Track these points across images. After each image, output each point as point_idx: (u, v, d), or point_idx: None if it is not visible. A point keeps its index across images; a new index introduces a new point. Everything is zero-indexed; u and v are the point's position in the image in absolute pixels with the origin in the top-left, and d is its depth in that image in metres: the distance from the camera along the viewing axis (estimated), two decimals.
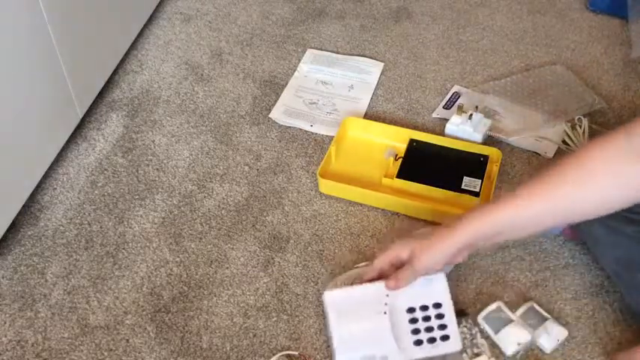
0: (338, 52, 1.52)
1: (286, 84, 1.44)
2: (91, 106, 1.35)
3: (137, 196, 1.22)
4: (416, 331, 0.96)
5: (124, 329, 1.03)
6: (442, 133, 1.30)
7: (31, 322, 1.05)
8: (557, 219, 0.91)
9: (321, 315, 1.03)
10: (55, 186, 1.24)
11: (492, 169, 1.22)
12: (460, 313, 1.01)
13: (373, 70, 1.47)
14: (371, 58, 1.50)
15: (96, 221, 1.18)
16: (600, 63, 1.47)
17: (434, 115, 1.36)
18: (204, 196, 1.22)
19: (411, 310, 0.96)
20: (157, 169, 1.27)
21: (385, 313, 0.95)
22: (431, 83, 1.43)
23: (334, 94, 1.42)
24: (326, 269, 1.10)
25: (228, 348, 1.01)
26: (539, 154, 1.27)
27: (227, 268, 1.11)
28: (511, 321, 0.99)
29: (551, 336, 0.99)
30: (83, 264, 1.12)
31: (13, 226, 1.16)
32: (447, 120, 1.30)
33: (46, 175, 1.24)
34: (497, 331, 0.99)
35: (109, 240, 1.16)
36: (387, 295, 0.96)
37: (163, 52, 1.52)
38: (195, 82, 1.45)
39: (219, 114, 1.38)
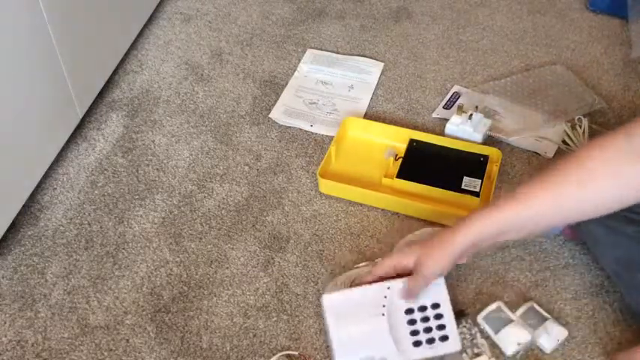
0: (338, 52, 1.52)
1: (286, 84, 1.44)
2: (91, 106, 1.35)
3: (137, 196, 1.22)
4: (415, 332, 0.95)
5: (124, 329, 1.04)
6: (442, 133, 1.30)
7: (31, 322, 1.05)
8: (559, 219, 0.91)
9: (321, 315, 1.03)
10: (55, 186, 1.24)
11: (492, 169, 1.22)
12: (460, 314, 1.01)
13: (373, 70, 1.47)
14: (371, 58, 1.50)
15: (96, 221, 1.18)
16: (600, 63, 1.47)
17: (434, 115, 1.36)
18: (204, 196, 1.22)
19: (409, 311, 0.96)
20: (157, 169, 1.27)
21: (383, 314, 0.95)
22: (431, 83, 1.43)
23: (334, 94, 1.42)
24: (326, 269, 1.10)
25: (228, 348, 1.01)
26: (539, 154, 1.27)
27: (227, 268, 1.11)
28: (511, 321, 0.99)
29: (551, 336, 0.99)
30: (83, 264, 1.12)
31: (13, 226, 1.16)
32: (447, 120, 1.30)
33: (46, 175, 1.24)
34: (497, 331, 0.99)
35: (109, 240, 1.16)
36: (385, 297, 0.96)
37: (163, 52, 1.52)
38: (195, 82, 1.45)
39: (219, 114, 1.38)
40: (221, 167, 1.27)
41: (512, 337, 0.97)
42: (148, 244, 1.15)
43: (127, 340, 1.02)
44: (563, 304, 1.04)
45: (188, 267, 1.11)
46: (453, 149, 1.25)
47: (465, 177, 1.20)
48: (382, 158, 1.27)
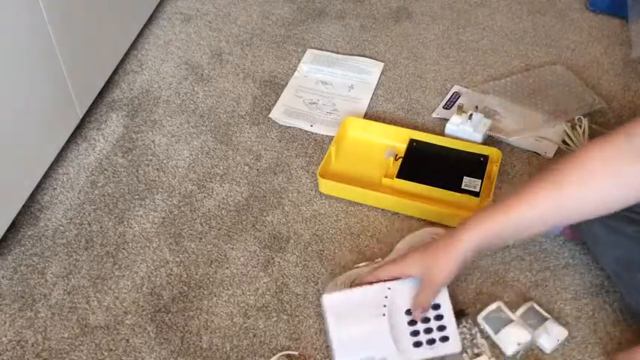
0: (338, 52, 1.52)
1: (286, 84, 1.44)
2: (91, 106, 1.35)
3: (137, 196, 1.22)
4: (415, 333, 0.95)
5: (124, 329, 1.03)
6: (442, 133, 1.30)
7: (31, 322, 1.05)
8: (559, 219, 0.91)
9: (321, 315, 1.03)
10: (55, 186, 1.24)
11: (492, 169, 1.22)
12: (460, 314, 1.01)
13: (373, 70, 1.47)
14: (371, 58, 1.50)
15: (96, 221, 1.18)
16: (600, 63, 1.47)
17: (434, 115, 1.36)
18: (204, 196, 1.22)
19: (410, 311, 0.96)
20: (157, 169, 1.27)
21: (384, 315, 0.95)
22: (431, 83, 1.43)
23: (334, 94, 1.42)
24: (326, 269, 1.10)
25: (228, 348, 1.01)
26: (539, 154, 1.27)
27: (227, 268, 1.11)
28: (511, 321, 0.99)
29: (551, 336, 0.99)
30: (83, 264, 1.12)
31: (13, 226, 1.16)
32: (447, 120, 1.30)
33: (46, 175, 1.24)
34: (497, 331, 0.99)
35: (109, 240, 1.16)
36: (386, 297, 0.96)
37: (163, 52, 1.52)
38: (195, 82, 1.45)
39: (219, 114, 1.38)
40: (221, 167, 1.27)
41: (512, 337, 0.97)
42: (148, 244, 1.15)
43: (127, 340, 1.02)
44: (563, 304, 1.04)
45: (188, 267, 1.11)
46: (453, 149, 1.25)
47: (465, 177, 1.20)
48: (382, 158, 1.27)
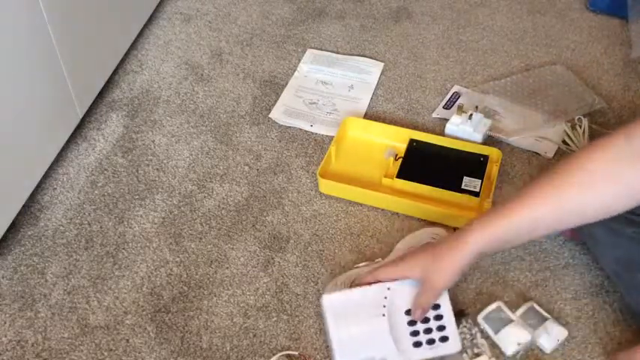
0: (338, 52, 1.52)
1: (286, 84, 1.44)
2: (91, 106, 1.35)
3: (137, 196, 1.22)
4: (415, 333, 0.95)
5: (124, 329, 1.03)
6: (442, 133, 1.30)
7: (31, 322, 1.05)
8: (560, 222, 0.90)
9: (321, 315, 1.03)
10: (55, 186, 1.24)
11: (492, 169, 1.22)
12: (460, 314, 1.01)
13: (373, 70, 1.47)
14: (371, 58, 1.50)
15: (96, 221, 1.18)
16: (600, 63, 1.47)
17: (434, 115, 1.36)
18: (204, 196, 1.22)
19: (409, 312, 0.96)
20: (157, 169, 1.27)
21: (384, 315, 0.95)
22: (431, 83, 1.43)
23: (334, 94, 1.42)
24: (326, 269, 1.10)
25: (228, 348, 1.01)
26: (539, 154, 1.27)
27: (227, 268, 1.11)
28: (511, 321, 0.99)
29: (551, 336, 0.99)
30: (83, 264, 1.12)
31: (13, 226, 1.16)
32: (447, 120, 1.30)
33: (46, 175, 1.24)
34: (497, 331, 0.99)
35: (109, 240, 1.16)
36: (386, 298, 0.96)
37: (163, 52, 1.52)
38: (195, 82, 1.45)
39: (219, 114, 1.38)
40: (221, 167, 1.27)
41: (512, 337, 0.97)
42: (148, 244, 1.15)
43: (127, 340, 1.02)
44: (563, 304, 1.04)
45: (188, 267, 1.11)
46: (453, 149, 1.25)
47: (465, 177, 1.20)
48: (382, 158, 1.27)
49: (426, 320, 0.96)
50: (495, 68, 1.46)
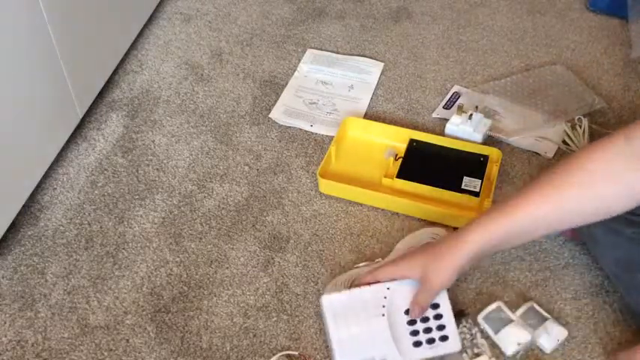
0: (338, 52, 1.52)
1: (286, 84, 1.44)
2: (91, 106, 1.35)
3: (137, 196, 1.22)
4: (415, 333, 0.95)
5: (124, 329, 1.03)
6: (442, 133, 1.30)
7: (31, 322, 1.05)
8: (561, 222, 0.90)
9: (321, 315, 1.03)
10: (55, 186, 1.24)
11: (492, 169, 1.22)
12: (460, 314, 1.01)
13: (373, 70, 1.47)
14: (371, 58, 1.50)
15: (96, 221, 1.18)
16: (600, 63, 1.47)
17: (434, 115, 1.36)
18: (204, 196, 1.22)
19: (409, 311, 0.96)
20: (157, 169, 1.27)
21: (384, 315, 0.95)
22: (431, 83, 1.43)
23: (334, 94, 1.42)
24: (326, 269, 1.10)
25: (228, 348, 1.01)
26: (539, 154, 1.27)
27: (227, 268, 1.11)
28: (511, 321, 0.99)
29: (551, 336, 0.99)
30: (83, 264, 1.12)
31: (13, 226, 1.16)
32: (447, 120, 1.30)
33: (46, 175, 1.24)
34: (497, 331, 0.99)
35: (109, 240, 1.16)
36: (385, 298, 0.96)
37: (163, 52, 1.52)
38: (195, 82, 1.45)
39: (219, 114, 1.38)
40: (221, 167, 1.27)
41: (512, 337, 0.97)
42: (148, 244, 1.15)
43: (127, 340, 1.02)
44: (563, 304, 1.04)
45: (188, 267, 1.11)
46: (453, 149, 1.25)
47: (465, 177, 1.20)
48: (382, 158, 1.27)
49: (425, 320, 0.96)
50: (495, 68, 1.46)
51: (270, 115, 1.37)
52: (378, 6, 1.64)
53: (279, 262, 1.12)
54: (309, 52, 1.51)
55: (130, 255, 1.13)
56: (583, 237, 1.08)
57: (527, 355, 0.99)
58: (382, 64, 1.48)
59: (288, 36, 1.56)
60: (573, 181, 0.85)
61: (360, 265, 1.09)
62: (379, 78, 1.45)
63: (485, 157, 1.23)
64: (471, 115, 1.27)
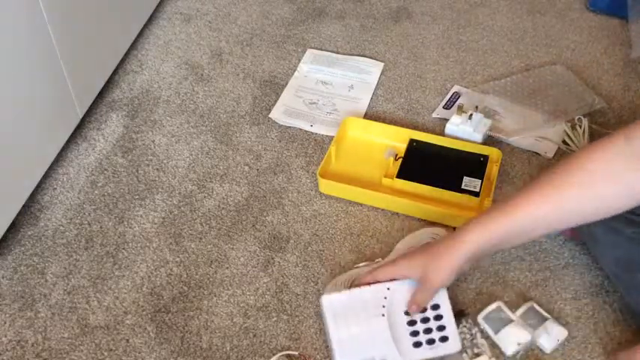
0: (338, 52, 1.52)
1: (286, 84, 1.44)
2: (91, 106, 1.35)
3: (137, 196, 1.22)
4: (415, 333, 0.95)
5: (124, 329, 1.04)
6: (442, 133, 1.30)
7: (31, 322, 1.05)
8: (561, 222, 0.90)
9: (321, 315, 1.03)
10: (55, 186, 1.24)
11: (492, 169, 1.22)
12: (460, 314, 1.01)
13: (373, 70, 1.47)
14: (371, 58, 1.50)
15: (96, 221, 1.18)
16: (600, 63, 1.47)
17: (434, 115, 1.36)
18: (204, 196, 1.22)
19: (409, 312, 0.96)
20: (157, 169, 1.27)
21: (383, 315, 0.95)
22: (431, 83, 1.43)
23: (334, 94, 1.42)
24: (326, 269, 1.10)
25: (228, 348, 1.01)
26: (539, 154, 1.27)
27: (227, 268, 1.11)
28: (511, 321, 0.99)
29: (551, 336, 0.99)
30: (83, 264, 1.12)
31: (13, 226, 1.16)
32: (447, 120, 1.30)
33: (46, 175, 1.24)
34: (497, 331, 0.99)
35: (109, 240, 1.16)
36: (385, 298, 0.96)
37: (163, 52, 1.52)
38: (195, 82, 1.45)
39: (219, 114, 1.38)
40: (221, 167, 1.27)
41: (512, 337, 0.97)
42: (148, 244, 1.15)
43: (127, 340, 1.02)
44: (563, 304, 1.04)
45: (188, 267, 1.11)
46: (453, 149, 1.25)
47: (465, 177, 1.20)
48: (382, 158, 1.27)
49: (425, 320, 0.96)
50: (495, 68, 1.46)
51: (270, 115, 1.37)
52: (378, 6, 1.64)
53: (279, 262, 1.12)
54: (309, 52, 1.51)
55: (130, 255, 1.13)
56: (583, 236, 1.08)
57: (527, 355, 0.99)
58: (382, 64, 1.48)
59: (288, 36, 1.56)
60: (573, 181, 0.85)
61: (360, 265, 1.09)
62: (379, 78, 1.45)
63: (485, 157, 1.23)
64: (471, 115, 1.27)
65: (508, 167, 1.25)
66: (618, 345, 1.00)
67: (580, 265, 1.10)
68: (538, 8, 1.62)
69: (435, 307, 0.97)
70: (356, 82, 1.44)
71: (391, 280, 0.97)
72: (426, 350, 0.95)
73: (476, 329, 1.00)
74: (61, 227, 1.18)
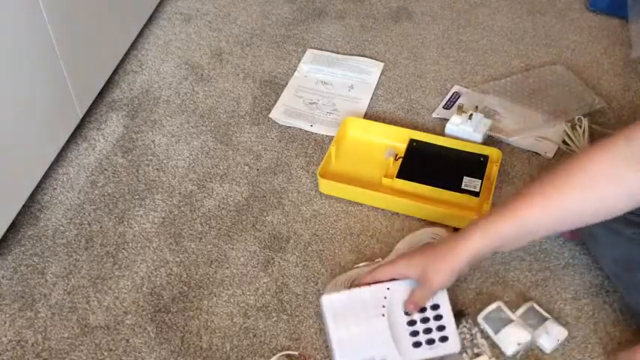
0: (338, 52, 1.52)
1: (286, 84, 1.44)
2: (91, 106, 1.35)
3: (137, 196, 1.22)
4: (414, 333, 0.95)
5: (124, 329, 1.04)
6: (442, 133, 1.30)
7: (31, 322, 1.05)
8: (562, 224, 0.90)
9: (321, 315, 1.03)
10: (55, 186, 1.24)
11: (492, 169, 1.22)
12: (460, 314, 1.01)
13: (373, 70, 1.47)
14: (371, 58, 1.50)
15: (96, 221, 1.18)
16: (600, 63, 1.47)
17: (434, 115, 1.36)
18: (204, 196, 1.22)
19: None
20: (157, 169, 1.27)
21: (383, 315, 0.95)
22: (431, 83, 1.43)
23: (334, 94, 1.42)
24: (326, 269, 1.10)
25: (228, 348, 1.01)
26: (539, 154, 1.27)
27: (227, 268, 1.11)
28: (511, 321, 0.99)
29: (551, 336, 0.99)
30: (83, 264, 1.12)
31: (13, 226, 1.16)
32: (447, 120, 1.30)
33: (46, 175, 1.24)
34: (497, 331, 0.99)
35: (109, 240, 1.16)
36: (385, 298, 0.96)
37: (163, 52, 1.52)
38: (195, 82, 1.45)
39: (219, 114, 1.38)
40: (221, 167, 1.27)
41: (512, 337, 0.97)
42: (148, 244, 1.15)
43: (127, 340, 1.02)
44: (563, 304, 1.04)
45: (188, 267, 1.12)
46: (453, 149, 1.25)
47: (465, 177, 1.20)
48: (382, 158, 1.27)
49: (425, 320, 0.96)
50: (495, 68, 1.46)
51: (270, 115, 1.37)
52: (378, 6, 1.64)
53: (279, 262, 1.12)
54: (309, 52, 1.51)
55: (130, 255, 1.13)
56: (583, 236, 1.08)
57: (527, 355, 0.99)
58: (382, 64, 1.48)
59: (288, 36, 1.56)
60: (574, 183, 0.85)
61: (360, 265, 1.09)
62: (379, 78, 1.45)
63: (485, 157, 1.23)
64: (471, 115, 1.27)
65: (508, 167, 1.25)
66: (618, 345, 1.00)
67: (580, 265, 1.10)
68: (538, 8, 1.62)
69: (435, 307, 0.97)
70: (356, 82, 1.44)
71: (391, 280, 0.97)
72: (425, 350, 0.95)
73: (476, 329, 1.00)
74: (61, 227, 1.18)
